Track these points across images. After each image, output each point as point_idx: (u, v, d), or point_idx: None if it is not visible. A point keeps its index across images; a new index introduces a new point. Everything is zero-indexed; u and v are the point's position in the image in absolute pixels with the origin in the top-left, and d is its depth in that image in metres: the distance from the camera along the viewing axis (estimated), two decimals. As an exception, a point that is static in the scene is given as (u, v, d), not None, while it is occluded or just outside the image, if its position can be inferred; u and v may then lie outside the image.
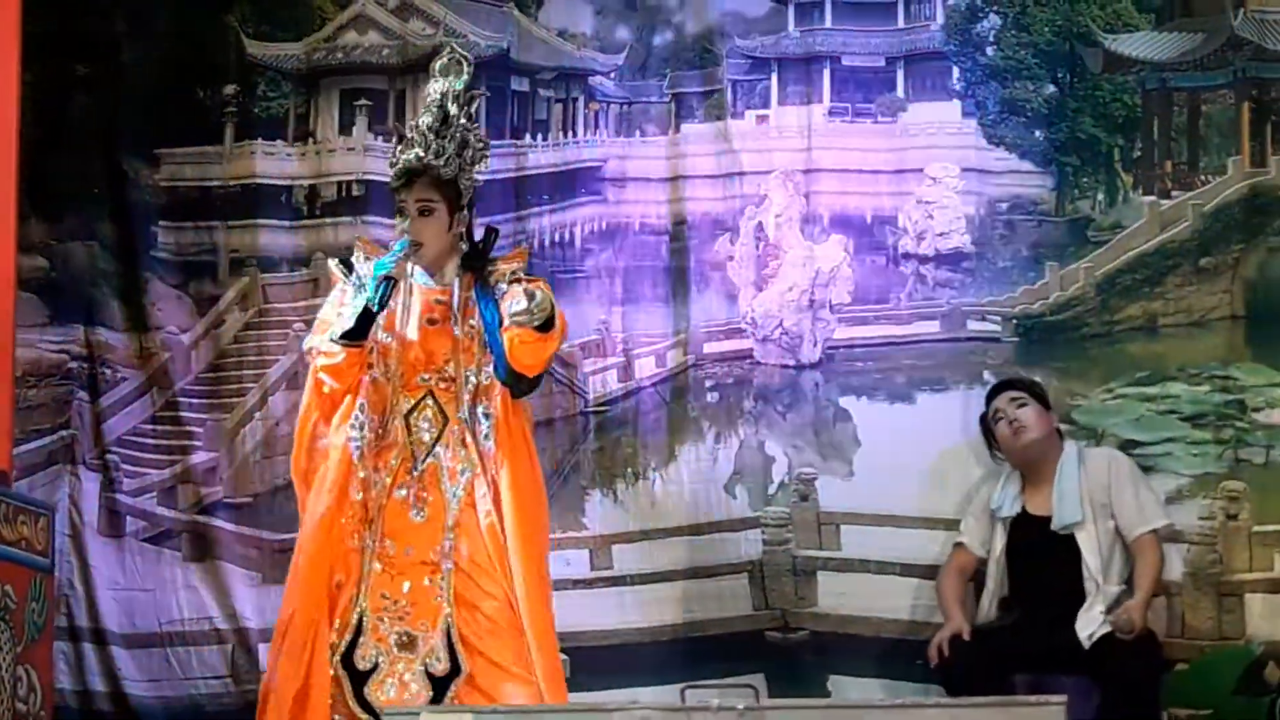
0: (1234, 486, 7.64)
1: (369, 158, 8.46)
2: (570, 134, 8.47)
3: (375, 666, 5.87)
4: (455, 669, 5.85)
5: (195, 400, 8.40)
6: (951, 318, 8.06)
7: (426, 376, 5.98)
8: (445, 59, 6.02)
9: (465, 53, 6.09)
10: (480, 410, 5.96)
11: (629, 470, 8.13)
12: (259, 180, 8.45)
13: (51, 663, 7.53)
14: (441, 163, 5.90)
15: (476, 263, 6.02)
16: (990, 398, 7.35)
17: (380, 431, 5.99)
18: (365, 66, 8.55)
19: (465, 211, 6.01)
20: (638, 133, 8.44)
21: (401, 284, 5.94)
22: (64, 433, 8.38)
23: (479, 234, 6.15)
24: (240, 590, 8.20)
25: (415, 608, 5.89)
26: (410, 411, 5.98)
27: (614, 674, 7.72)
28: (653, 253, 8.28)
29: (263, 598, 8.10)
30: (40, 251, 8.39)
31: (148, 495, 8.38)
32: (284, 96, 8.55)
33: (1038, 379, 7.47)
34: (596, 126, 8.47)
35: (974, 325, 8.05)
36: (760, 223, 8.18)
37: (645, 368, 8.21)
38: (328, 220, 8.46)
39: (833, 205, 8.18)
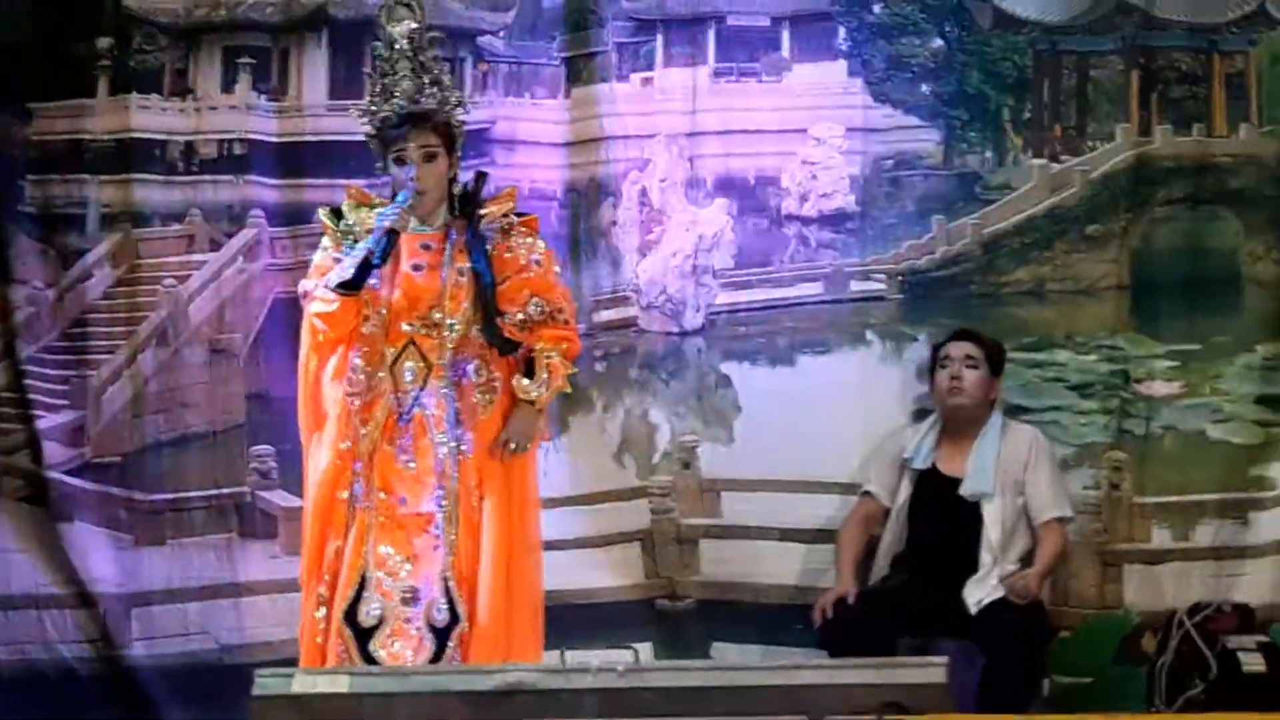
0: (1118, 456, 7.67)
1: (251, 116, 8.31)
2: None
3: (380, 623, 5.87)
4: (455, 619, 5.88)
5: (60, 357, 8.21)
6: (834, 279, 8.02)
7: (410, 324, 5.96)
8: (393, 4, 5.93)
9: None
10: (465, 362, 5.97)
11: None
12: (134, 134, 8.25)
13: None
14: (436, 105, 5.89)
15: (467, 207, 6.00)
16: (948, 340, 7.31)
17: (370, 383, 5.96)
18: (249, 24, 8.37)
19: (458, 154, 5.99)
20: (527, 95, 8.34)
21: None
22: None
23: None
24: (108, 553, 8.02)
25: (417, 561, 5.91)
26: (395, 360, 5.96)
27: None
28: (543, 219, 8.15)
29: (134, 561, 7.98)
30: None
31: (20, 453, 8.19)
32: (160, 50, 8.36)
33: (1001, 342, 7.38)
34: (485, 87, 8.35)
35: (857, 285, 8.01)
36: (644, 187, 8.11)
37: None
38: (206, 177, 8.29)
39: (716, 168, 8.12)
